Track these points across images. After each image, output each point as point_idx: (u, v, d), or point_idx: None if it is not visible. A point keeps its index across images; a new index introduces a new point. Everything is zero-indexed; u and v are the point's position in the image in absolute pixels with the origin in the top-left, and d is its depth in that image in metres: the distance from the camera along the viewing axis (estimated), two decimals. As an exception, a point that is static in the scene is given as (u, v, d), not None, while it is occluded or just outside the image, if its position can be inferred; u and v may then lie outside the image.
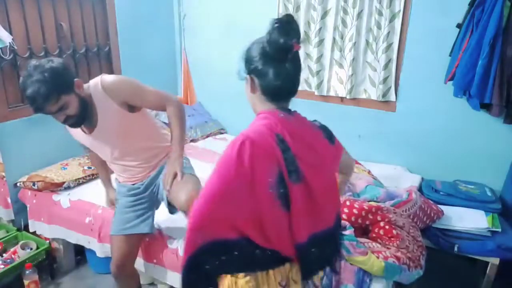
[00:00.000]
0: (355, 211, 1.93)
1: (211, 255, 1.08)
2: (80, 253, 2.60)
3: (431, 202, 2.23)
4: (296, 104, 1.20)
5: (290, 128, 1.09)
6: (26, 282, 2.14)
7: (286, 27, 1.04)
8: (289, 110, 1.16)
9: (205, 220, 1.05)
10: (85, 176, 2.51)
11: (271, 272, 1.11)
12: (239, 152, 1.02)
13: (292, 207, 1.07)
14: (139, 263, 2.06)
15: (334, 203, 1.25)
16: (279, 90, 1.11)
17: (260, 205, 1.04)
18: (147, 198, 1.91)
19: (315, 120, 1.22)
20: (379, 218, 1.92)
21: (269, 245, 1.08)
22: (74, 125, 1.68)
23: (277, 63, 1.08)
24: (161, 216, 2.17)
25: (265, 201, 1.04)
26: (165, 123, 3.28)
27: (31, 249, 2.30)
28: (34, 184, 2.39)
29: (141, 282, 2.18)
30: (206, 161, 2.84)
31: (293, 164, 1.06)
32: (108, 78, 1.70)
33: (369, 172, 2.52)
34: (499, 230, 2.09)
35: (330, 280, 1.22)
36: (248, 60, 1.12)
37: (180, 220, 2.13)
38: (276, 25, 1.04)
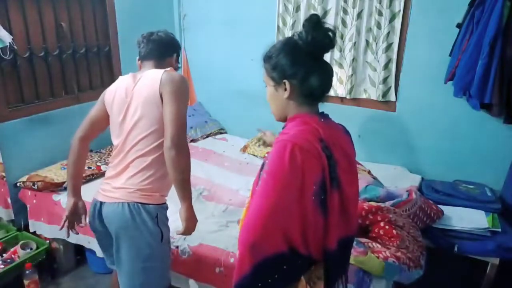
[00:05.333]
0: (355, 211, 1.92)
1: (265, 274, 1.04)
2: (80, 253, 2.60)
3: (431, 202, 2.23)
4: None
5: (330, 133, 1.09)
6: (26, 282, 2.14)
7: (321, 25, 1.05)
8: (324, 113, 1.15)
9: (261, 232, 1.00)
10: (85, 176, 2.51)
11: (302, 276, 1.11)
12: (292, 156, 1.00)
13: (329, 214, 1.06)
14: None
15: (357, 210, 1.25)
16: (321, 90, 1.10)
17: (304, 210, 1.03)
18: None
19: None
20: (379, 218, 1.92)
21: (306, 251, 1.07)
22: None
23: (318, 63, 1.08)
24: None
25: (308, 207, 1.04)
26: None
27: (31, 249, 2.30)
28: (34, 184, 2.39)
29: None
30: (206, 161, 2.85)
31: (335, 170, 1.06)
32: None
33: (369, 172, 2.52)
34: (499, 230, 2.09)
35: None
36: (280, 66, 1.09)
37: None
38: (313, 24, 1.04)
